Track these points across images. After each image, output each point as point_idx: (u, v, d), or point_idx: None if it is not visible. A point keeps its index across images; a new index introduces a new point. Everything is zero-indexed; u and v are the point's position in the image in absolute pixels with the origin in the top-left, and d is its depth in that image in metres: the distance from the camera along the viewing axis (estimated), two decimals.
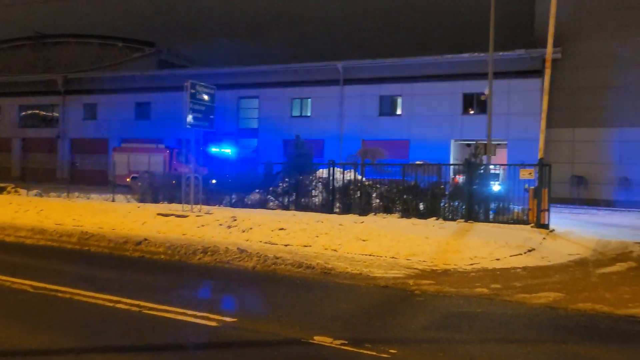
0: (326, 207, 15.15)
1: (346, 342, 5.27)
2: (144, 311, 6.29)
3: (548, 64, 14.26)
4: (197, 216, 13.39)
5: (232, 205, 16.26)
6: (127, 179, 23.52)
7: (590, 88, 28.49)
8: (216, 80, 30.59)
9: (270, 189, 16.37)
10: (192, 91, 13.89)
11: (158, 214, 13.87)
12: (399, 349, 5.14)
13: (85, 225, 13.59)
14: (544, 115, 14.40)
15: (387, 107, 32.01)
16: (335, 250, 10.51)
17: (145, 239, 11.26)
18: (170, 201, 17.30)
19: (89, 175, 37.62)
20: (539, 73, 25.93)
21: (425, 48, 29.76)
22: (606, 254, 11.13)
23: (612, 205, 27.30)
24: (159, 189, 18.23)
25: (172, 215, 13.67)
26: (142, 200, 17.95)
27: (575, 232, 14.17)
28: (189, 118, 13.91)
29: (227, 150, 29.47)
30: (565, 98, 28.59)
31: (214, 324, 5.86)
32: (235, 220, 12.61)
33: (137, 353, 5.09)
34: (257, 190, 16.40)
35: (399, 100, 31.63)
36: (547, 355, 5.08)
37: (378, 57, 31.46)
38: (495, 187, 17.40)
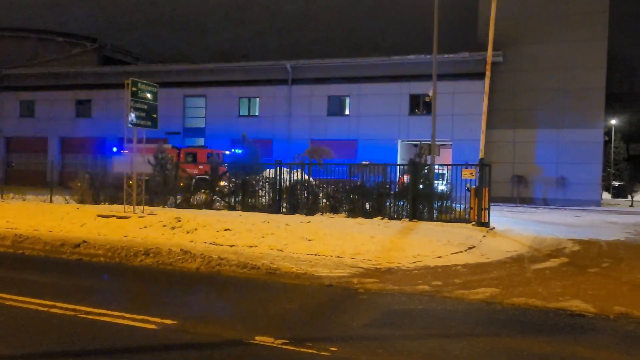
0: (273, 207, 15.10)
1: (287, 341, 5.27)
2: (80, 315, 6.09)
3: (488, 67, 14.76)
4: (140, 217, 13.05)
5: (177, 206, 15.94)
6: (130, 182, 22.36)
7: (530, 91, 29.72)
8: (162, 78, 30.00)
9: (217, 189, 16.16)
10: (134, 89, 13.54)
11: (98, 216, 13.44)
12: (339, 346, 5.18)
13: (19, 228, 12.99)
14: (484, 117, 14.88)
15: (335, 107, 32.26)
16: (281, 251, 10.49)
17: (84, 241, 10.88)
18: (112, 202, 16.79)
19: (27, 175, 35.97)
20: (482, 75, 26.79)
21: (374, 49, 30.09)
22: (541, 251, 11.63)
23: (550, 203, 28.58)
24: (101, 190, 17.65)
25: (113, 216, 13.27)
26: (81, 202, 17.32)
27: (514, 229, 14.73)
28: (131, 117, 13.56)
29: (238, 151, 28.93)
30: (507, 100, 29.72)
31: (152, 327, 5.73)
32: (179, 221, 12.38)
33: (69, 359, 4.90)
34: (202, 191, 16.16)
35: (347, 101, 31.94)
36: (481, 348, 5.25)
37: (326, 57, 31.66)
38: (441, 186, 17.84)
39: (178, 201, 16.30)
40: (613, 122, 50.68)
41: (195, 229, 11.91)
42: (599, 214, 24.24)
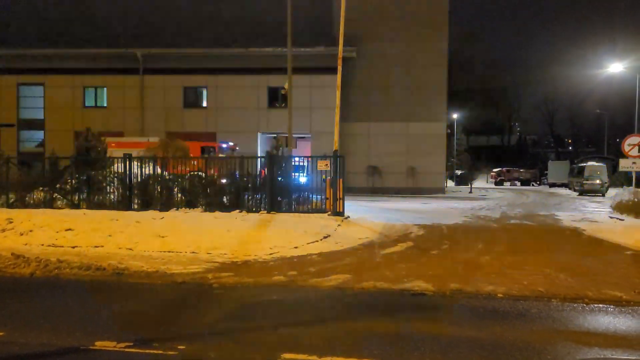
0: (123, 204, 14.15)
1: (132, 344, 4.96)
2: None
3: (339, 62, 15.28)
4: None
5: (10, 206, 14.22)
6: None
7: (382, 86, 31.44)
8: None
9: (58, 186, 14.70)
10: None
11: None
12: (188, 344, 4.99)
13: None
14: (337, 110, 15.40)
15: (192, 98, 31.26)
16: (131, 249, 9.90)
17: None
18: None
19: None
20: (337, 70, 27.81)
21: (232, 40, 29.55)
22: (390, 236, 12.35)
23: (402, 192, 30.63)
24: None
25: None
26: None
27: (367, 218, 15.48)
28: None
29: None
30: (361, 94, 31.14)
31: None
32: (11, 222, 11.08)
33: None
34: (41, 189, 14.58)
35: (205, 92, 31.13)
36: (330, 332, 5.39)
37: (181, 46, 30.44)
38: (302, 178, 18.12)
39: (11, 201, 14.55)
40: (455, 116, 55.79)
41: (31, 231, 10.75)
42: (443, 200, 26.54)
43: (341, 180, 14.50)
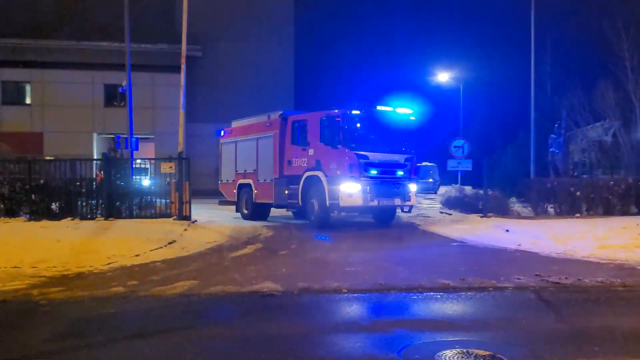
0: None
1: None
2: None
3: (183, 61, 14.79)
4: None
5: None
6: (234, 190, 15.52)
7: (229, 86, 31.14)
8: None
9: None
10: None
11: None
12: None
13: None
14: (181, 110, 14.87)
15: (12, 94, 27.91)
16: None
17: None
18: None
19: None
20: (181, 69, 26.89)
21: (59, 30, 26.99)
22: (240, 239, 12.20)
23: None
24: None
25: None
26: None
27: (216, 221, 15.17)
28: None
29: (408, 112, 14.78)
30: (208, 94, 30.50)
31: None
32: None
33: None
34: None
35: (28, 88, 27.99)
36: (174, 342, 5.10)
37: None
38: (146, 181, 17.12)
39: None
40: None
41: None
42: None
43: (187, 183, 14.03)
